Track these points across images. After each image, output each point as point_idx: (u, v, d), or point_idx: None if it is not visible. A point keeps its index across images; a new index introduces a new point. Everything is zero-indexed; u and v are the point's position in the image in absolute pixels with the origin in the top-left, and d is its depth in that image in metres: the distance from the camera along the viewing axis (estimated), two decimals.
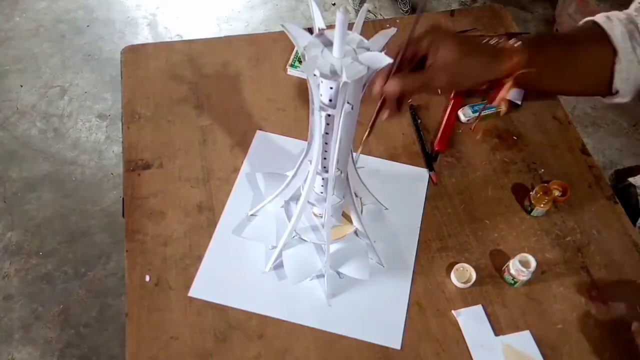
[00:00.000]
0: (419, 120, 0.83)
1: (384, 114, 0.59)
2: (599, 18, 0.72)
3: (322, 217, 0.66)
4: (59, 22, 2.12)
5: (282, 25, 0.48)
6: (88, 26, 2.12)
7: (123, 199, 0.74)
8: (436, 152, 0.79)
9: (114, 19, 2.15)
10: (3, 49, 2.02)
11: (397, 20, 0.96)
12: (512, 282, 0.68)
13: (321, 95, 0.49)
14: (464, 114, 0.83)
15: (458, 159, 0.80)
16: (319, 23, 0.49)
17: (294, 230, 0.65)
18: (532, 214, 0.74)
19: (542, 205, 0.72)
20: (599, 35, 0.71)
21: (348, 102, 0.49)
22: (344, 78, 0.45)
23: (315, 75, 0.47)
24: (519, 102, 0.85)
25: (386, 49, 0.49)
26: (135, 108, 0.83)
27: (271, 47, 0.91)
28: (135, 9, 2.19)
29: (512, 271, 0.67)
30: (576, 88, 0.76)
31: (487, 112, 0.83)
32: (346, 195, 0.62)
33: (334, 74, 0.46)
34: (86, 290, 1.49)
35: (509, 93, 0.65)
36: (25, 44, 2.05)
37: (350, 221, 0.67)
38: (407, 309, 0.67)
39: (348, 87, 0.47)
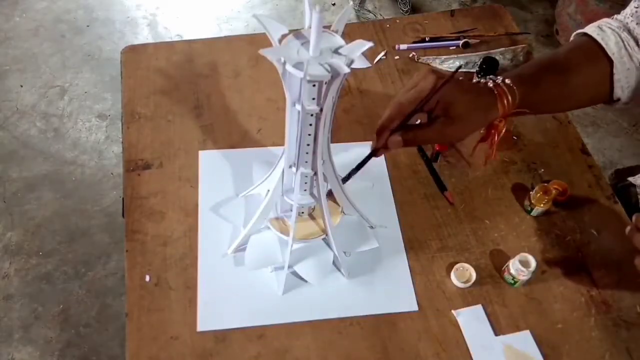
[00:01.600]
0: None
1: (378, 155, 0.61)
2: (591, 30, 0.71)
3: (303, 214, 0.66)
4: (59, 22, 2.12)
5: (255, 16, 0.48)
6: (88, 26, 2.12)
7: (123, 199, 0.74)
8: (436, 152, 0.79)
9: (114, 19, 2.15)
10: (3, 49, 2.02)
11: (397, 20, 0.96)
12: (512, 282, 0.68)
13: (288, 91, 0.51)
14: None
15: (458, 158, 0.80)
16: (275, 34, 0.51)
17: (265, 220, 0.65)
18: (532, 213, 0.74)
19: (542, 205, 0.72)
20: (593, 50, 0.71)
21: (316, 103, 0.50)
22: (306, 75, 0.46)
23: (288, 70, 0.48)
24: None
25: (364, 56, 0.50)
26: (135, 108, 0.83)
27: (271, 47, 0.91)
28: (135, 9, 2.19)
29: (512, 271, 0.67)
30: (575, 106, 0.75)
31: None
32: (330, 180, 0.62)
33: (300, 69, 0.47)
34: (86, 290, 1.49)
35: (502, 132, 0.66)
36: (25, 44, 2.05)
37: (334, 201, 0.67)
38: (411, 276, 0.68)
39: (312, 88, 0.48)
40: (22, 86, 1.92)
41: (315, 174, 0.59)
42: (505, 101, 0.63)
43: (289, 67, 0.47)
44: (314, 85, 0.49)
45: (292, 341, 0.64)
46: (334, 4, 2.19)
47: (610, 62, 0.70)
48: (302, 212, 0.66)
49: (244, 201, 0.72)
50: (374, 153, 0.60)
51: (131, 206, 0.73)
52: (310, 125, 0.53)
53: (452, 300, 0.67)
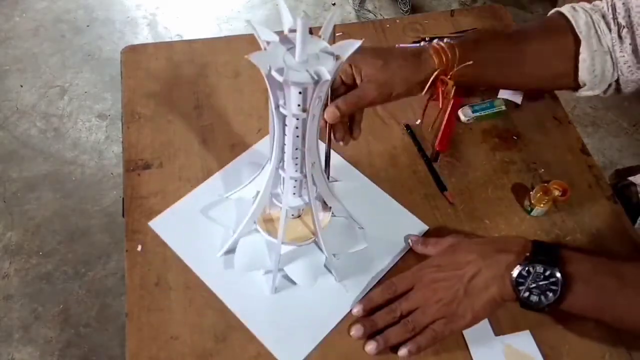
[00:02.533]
0: (412, 130, 0.83)
1: (336, 139, 0.66)
2: (565, 8, 0.71)
3: (293, 216, 0.67)
4: (59, 22, 2.13)
5: (248, 22, 0.49)
6: (88, 26, 2.12)
7: (123, 199, 0.74)
8: (436, 152, 0.79)
9: (114, 19, 2.15)
10: (3, 49, 2.02)
11: (397, 20, 0.96)
12: None
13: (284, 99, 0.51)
14: (464, 114, 0.83)
15: (458, 159, 0.80)
16: (265, 37, 0.51)
17: (255, 222, 0.65)
18: (532, 214, 0.74)
19: (542, 205, 0.72)
20: (560, 26, 0.70)
21: (302, 108, 0.51)
22: (324, 78, 0.47)
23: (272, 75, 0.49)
24: (519, 102, 0.85)
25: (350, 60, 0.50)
26: (135, 108, 0.83)
27: None
28: (135, 9, 2.19)
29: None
30: (531, 81, 0.75)
31: (485, 112, 0.83)
32: (318, 183, 0.62)
33: (310, 79, 0.47)
34: (86, 290, 1.49)
35: (452, 90, 0.67)
36: (25, 44, 2.05)
37: (323, 204, 0.67)
38: None
39: (317, 89, 0.48)
40: (22, 86, 1.92)
41: (305, 177, 0.59)
42: (442, 56, 0.65)
43: (274, 74, 0.48)
44: (300, 93, 0.49)
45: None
46: (333, 4, 2.19)
47: (577, 41, 0.69)
48: (293, 215, 0.66)
49: (235, 203, 0.71)
50: (329, 140, 0.65)
51: (131, 206, 0.73)
52: (297, 128, 0.53)
53: None
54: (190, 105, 0.83)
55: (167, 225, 0.71)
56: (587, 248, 0.66)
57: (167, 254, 0.69)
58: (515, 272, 0.57)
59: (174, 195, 0.74)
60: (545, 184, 0.73)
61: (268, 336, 0.63)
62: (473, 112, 0.83)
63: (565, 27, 0.70)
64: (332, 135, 0.66)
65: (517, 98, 0.85)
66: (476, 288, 0.59)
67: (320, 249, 0.66)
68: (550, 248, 0.59)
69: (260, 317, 0.65)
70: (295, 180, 0.60)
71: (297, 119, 0.52)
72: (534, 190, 0.73)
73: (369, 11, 2.16)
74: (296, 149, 0.56)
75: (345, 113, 0.62)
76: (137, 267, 0.68)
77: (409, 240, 0.69)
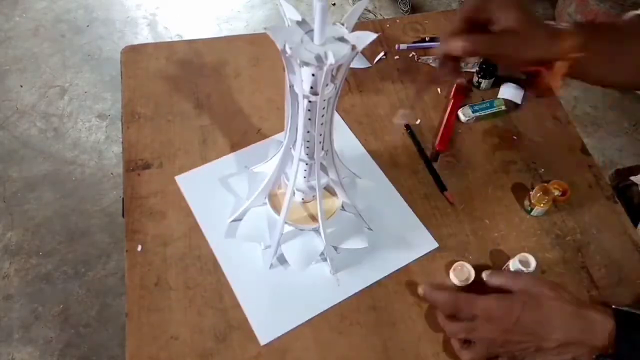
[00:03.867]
0: (411, 130, 0.83)
1: (439, 74, 0.60)
2: None
3: (303, 200, 0.67)
4: (59, 22, 2.13)
5: (265, 29, 0.48)
6: (88, 26, 2.12)
7: (123, 198, 0.74)
8: (436, 152, 0.79)
9: (114, 19, 2.15)
10: (3, 49, 2.02)
11: (397, 20, 0.96)
12: None
13: (303, 82, 0.51)
14: (464, 114, 0.83)
15: (458, 158, 0.80)
16: (290, 15, 0.50)
17: (285, 222, 0.65)
18: (532, 213, 0.74)
19: (542, 205, 0.72)
20: None
21: (314, 91, 0.51)
22: (329, 61, 0.46)
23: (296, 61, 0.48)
24: (519, 102, 0.85)
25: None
26: (135, 108, 0.83)
27: (271, 47, 0.90)
28: (135, 9, 2.19)
29: (512, 271, 0.67)
30: (627, 80, 0.73)
31: (485, 112, 0.83)
32: (330, 172, 0.62)
33: (316, 60, 0.47)
34: (86, 290, 1.49)
35: (563, 74, 0.62)
36: (25, 44, 2.05)
37: (334, 195, 0.67)
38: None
39: (325, 74, 0.48)
40: (22, 86, 1.92)
41: (315, 162, 0.59)
42: (569, 41, 0.60)
43: (287, 49, 0.47)
44: (312, 75, 0.49)
45: (292, 341, 0.64)
46: (334, 4, 2.19)
47: None
48: (303, 199, 0.66)
49: (252, 177, 0.72)
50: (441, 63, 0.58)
51: (131, 206, 0.73)
52: (310, 110, 0.53)
53: None
54: (190, 105, 0.83)
55: (190, 183, 0.75)
56: None
57: (167, 253, 0.69)
58: None
59: (174, 195, 0.74)
60: (545, 184, 0.73)
61: (252, 307, 0.65)
62: (473, 112, 0.83)
63: None
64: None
65: (517, 98, 0.85)
66: (549, 356, 0.57)
67: (320, 238, 0.67)
68: (636, 338, 0.55)
69: (251, 287, 0.67)
70: (306, 164, 0.60)
71: (310, 102, 0.52)
72: (534, 190, 0.73)
73: (369, 11, 2.16)
74: (307, 132, 0.56)
75: (475, 52, 0.56)
76: (137, 267, 0.68)
77: (483, 275, 0.65)
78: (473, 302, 0.60)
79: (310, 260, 0.67)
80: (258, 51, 0.90)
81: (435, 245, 0.71)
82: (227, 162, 0.77)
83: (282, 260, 0.68)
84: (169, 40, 2.06)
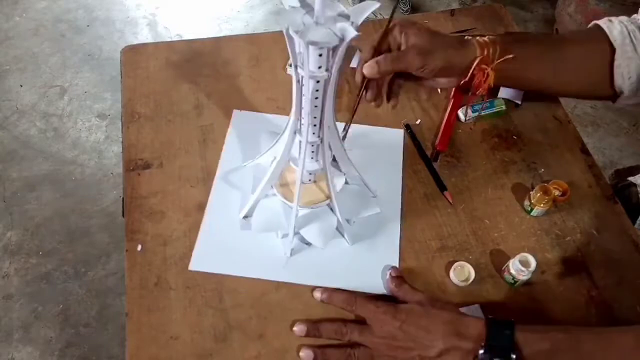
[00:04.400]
0: (412, 131, 0.83)
1: (367, 97, 0.67)
2: (601, 21, 0.72)
3: (310, 181, 0.68)
4: (59, 22, 2.13)
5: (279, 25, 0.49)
6: (88, 26, 2.12)
7: (123, 198, 0.74)
8: (437, 152, 0.79)
9: (114, 19, 2.15)
10: (3, 49, 2.02)
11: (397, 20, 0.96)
12: (512, 281, 0.68)
13: (302, 61, 0.51)
14: (464, 114, 0.83)
15: (458, 158, 0.80)
16: (289, 2, 0.51)
17: (272, 187, 0.67)
18: (532, 214, 0.74)
19: (542, 205, 0.72)
20: (596, 35, 0.71)
21: (326, 69, 0.52)
22: (311, 41, 0.47)
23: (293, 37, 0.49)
24: (519, 102, 0.85)
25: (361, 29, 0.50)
26: (135, 108, 0.83)
27: (271, 47, 0.91)
28: (135, 9, 2.19)
29: (512, 271, 0.67)
30: (569, 86, 0.75)
31: (485, 112, 0.83)
32: (334, 149, 0.64)
33: (333, 37, 0.48)
34: (86, 290, 1.49)
35: (489, 81, 0.68)
36: (25, 44, 2.05)
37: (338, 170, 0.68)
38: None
39: (328, 53, 0.49)
40: (22, 86, 1.92)
41: (322, 141, 0.60)
42: (485, 48, 0.67)
43: (292, 33, 0.48)
44: (320, 55, 0.50)
45: (292, 341, 0.64)
46: None
47: (612, 49, 0.70)
48: (310, 179, 0.67)
49: (254, 169, 0.74)
50: (361, 88, 0.66)
51: (131, 206, 0.73)
52: (317, 91, 0.54)
53: (451, 299, 0.67)
54: (190, 105, 0.83)
55: (243, 122, 0.79)
56: (540, 323, 0.65)
57: (167, 253, 0.69)
58: None
59: (174, 195, 0.74)
60: (545, 184, 0.73)
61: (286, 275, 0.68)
62: (473, 112, 0.83)
63: (600, 36, 0.71)
64: (364, 94, 0.68)
65: (517, 98, 0.85)
66: None
67: (334, 212, 0.68)
68: (504, 331, 0.58)
69: (278, 271, 0.69)
70: (312, 145, 0.61)
71: (318, 82, 0.53)
72: (534, 190, 0.73)
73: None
74: (315, 115, 0.56)
75: (384, 71, 0.64)
76: (137, 267, 0.68)
77: (387, 273, 0.68)
78: (364, 304, 0.63)
79: (329, 236, 0.69)
80: (258, 51, 0.90)
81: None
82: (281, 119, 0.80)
83: (299, 245, 0.70)
84: (169, 40, 2.06)
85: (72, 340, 1.41)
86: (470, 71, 0.68)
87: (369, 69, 0.63)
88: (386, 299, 0.65)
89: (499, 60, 0.66)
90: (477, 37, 0.69)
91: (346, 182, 0.70)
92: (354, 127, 0.80)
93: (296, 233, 0.68)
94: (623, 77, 0.70)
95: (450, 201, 0.75)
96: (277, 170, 0.65)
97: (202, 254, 0.69)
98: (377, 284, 0.68)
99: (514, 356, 0.56)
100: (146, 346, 0.63)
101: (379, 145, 0.80)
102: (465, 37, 0.69)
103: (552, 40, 0.73)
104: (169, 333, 0.64)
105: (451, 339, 0.58)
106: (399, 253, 0.70)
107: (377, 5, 0.50)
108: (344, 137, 0.68)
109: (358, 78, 0.66)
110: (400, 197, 0.75)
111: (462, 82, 0.70)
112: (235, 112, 0.81)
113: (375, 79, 0.66)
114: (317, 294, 0.66)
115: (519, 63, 0.68)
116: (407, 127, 0.82)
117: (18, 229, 1.59)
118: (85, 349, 1.40)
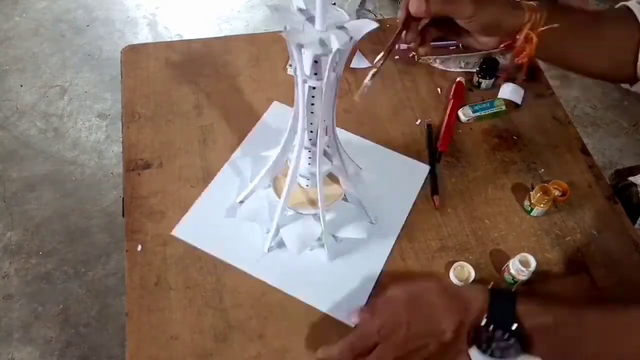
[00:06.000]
0: (430, 129, 0.83)
1: (406, 38, 0.62)
2: (631, 3, 0.71)
3: (307, 186, 0.67)
4: (59, 22, 2.13)
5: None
6: (88, 26, 2.12)
7: (123, 198, 0.74)
8: (439, 153, 0.79)
9: (114, 19, 2.15)
10: (3, 49, 2.02)
11: (397, 20, 0.95)
12: (512, 281, 0.68)
13: (304, 66, 0.51)
14: (464, 114, 0.83)
15: (458, 159, 0.80)
16: (297, 3, 0.51)
17: (287, 206, 0.66)
18: (532, 214, 0.74)
19: (542, 205, 0.72)
20: (628, 16, 0.70)
21: (333, 72, 0.51)
22: (334, 46, 0.47)
23: (298, 45, 0.49)
24: (519, 102, 0.85)
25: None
26: (135, 108, 0.83)
27: (271, 47, 0.91)
28: (135, 9, 2.19)
29: (512, 271, 0.67)
30: (599, 64, 0.73)
31: (485, 112, 0.83)
32: (334, 160, 0.63)
33: (314, 45, 0.48)
34: (86, 290, 1.49)
35: (532, 48, 0.64)
36: (25, 44, 2.05)
37: (337, 183, 0.67)
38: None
39: (331, 59, 0.49)
40: (22, 86, 1.92)
41: (317, 149, 0.59)
42: (532, 14, 0.62)
43: (289, 38, 0.48)
44: (315, 62, 0.50)
45: (292, 341, 0.64)
46: (333, 4, 2.19)
47: None
48: (308, 185, 0.67)
49: (257, 159, 0.73)
50: (398, 35, 0.61)
51: (131, 206, 0.73)
52: (313, 97, 0.54)
53: None
54: (190, 105, 0.83)
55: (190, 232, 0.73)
56: (544, 292, 0.65)
57: (167, 253, 0.69)
58: (477, 336, 0.57)
59: (174, 195, 0.74)
60: (545, 184, 0.73)
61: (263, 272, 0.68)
62: (473, 112, 0.83)
63: (632, 18, 0.70)
64: (398, 36, 0.63)
65: (517, 98, 0.85)
66: (453, 352, 0.57)
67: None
68: (507, 304, 0.57)
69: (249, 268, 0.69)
70: (309, 151, 0.61)
71: (314, 88, 0.53)
72: (534, 190, 0.73)
73: (369, 11, 2.16)
74: (311, 121, 0.56)
75: (433, 11, 0.59)
76: (137, 267, 0.68)
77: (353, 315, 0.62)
78: (366, 335, 0.58)
79: (306, 245, 0.68)
80: (258, 51, 0.90)
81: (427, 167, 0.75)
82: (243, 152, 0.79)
83: (280, 244, 0.69)
84: (169, 40, 2.06)
85: (72, 340, 1.41)
86: (521, 35, 0.64)
87: (416, 6, 0.57)
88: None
89: (544, 28, 0.63)
90: (529, 2, 0.65)
91: (344, 199, 0.69)
92: (375, 148, 0.79)
93: (278, 233, 0.68)
94: None
95: (436, 205, 0.74)
96: (274, 165, 0.65)
97: (189, 225, 0.71)
98: (344, 308, 0.65)
99: (514, 328, 0.55)
100: (146, 346, 0.63)
101: (398, 174, 0.77)
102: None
103: (591, 17, 0.70)
104: (169, 333, 0.64)
105: (456, 315, 0.57)
106: (373, 287, 0.68)
107: (376, 26, 0.49)
108: (374, 74, 0.61)
109: (401, 14, 0.60)
110: (398, 232, 0.72)
111: (502, 44, 0.66)
112: (275, 103, 0.82)
113: (417, 20, 0.61)
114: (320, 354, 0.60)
115: (561, 35, 0.64)
116: (429, 127, 0.82)
117: (18, 229, 1.59)
118: (85, 349, 1.40)
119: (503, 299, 0.57)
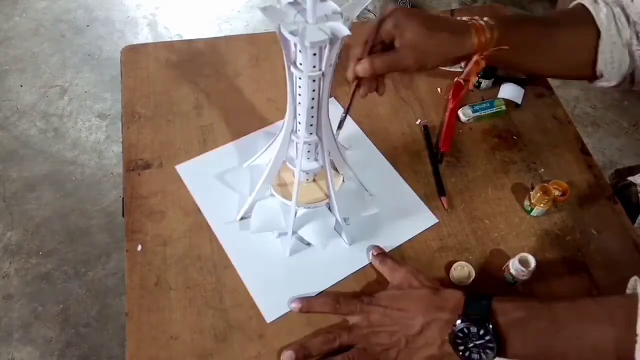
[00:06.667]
0: (427, 132, 0.83)
1: (360, 93, 0.65)
2: (586, 1, 0.72)
3: (307, 181, 0.68)
4: (59, 22, 2.13)
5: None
6: (88, 26, 2.12)
7: (123, 198, 0.74)
8: (441, 154, 0.79)
9: (114, 19, 2.15)
10: (3, 49, 2.02)
11: (348, 80, 0.95)
12: (512, 281, 0.68)
13: (297, 58, 0.52)
14: (464, 114, 0.83)
15: (458, 158, 0.80)
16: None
17: (270, 187, 0.67)
18: (532, 214, 0.74)
19: (542, 205, 0.72)
20: (583, 17, 0.71)
21: (318, 67, 0.51)
22: (306, 41, 0.47)
23: (287, 36, 0.49)
24: (519, 102, 0.85)
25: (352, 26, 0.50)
26: (135, 108, 0.83)
27: (271, 47, 0.91)
28: (135, 9, 2.19)
29: (512, 271, 0.67)
30: (556, 69, 0.76)
31: (485, 112, 0.83)
32: (323, 165, 0.63)
33: (327, 35, 0.48)
34: (86, 290, 1.49)
35: (480, 69, 0.68)
36: (25, 44, 2.05)
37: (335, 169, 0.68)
38: None
39: (320, 51, 0.49)
40: (22, 86, 1.92)
41: (320, 139, 0.60)
42: (482, 37, 0.65)
43: (284, 32, 0.48)
44: (314, 54, 0.50)
45: (292, 341, 0.63)
46: None
47: (598, 33, 0.69)
48: (308, 179, 0.67)
49: (250, 171, 0.74)
50: (354, 92, 0.65)
51: (131, 206, 0.73)
52: (314, 90, 0.54)
53: None
54: (190, 105, 0.84)
55: (192, 173, 0.76)
56: (516, 297, 0.65)
57: (167, 253, 0.69)
58: (453, 334, 0.57)
59: (174, 195, 0.74)
60: (545, 184, 0.73)
61: (258, 291, 0.67)
62: (473, 112, 0.83)
63: (587, 18, 0.70)
64: (355, 91, 0.66)
65: (517, 98, 0.85)
66: (418, 344, 0.59)
67: (332, 212, 0.68)
68: (481, 302, 0.58)
69: (266, 277, 0.68)
70: (310, 145, 0.61)
71: (314, 81, 0.53)
72: (534, 190, 0.73)
73: (369, 11, 2.16)
74: (312, 114, 0.56)
75: (378, 71, 0.62)
76: (137, 267, 0.68)
77: (371, 253, 0.69)
78: (348, 301, 0.63)
79: (328, 235, 0.69)
80: (258, 51, 0.90)
81: (435, 220, 0.73)
82: (227, 152, 0.78)
83: (297, 245, 0.70)
84: (169, 40, 2.06)
85: (72, 340, 1.41)
86: (470, 63, 0.67)
87: (362, 69, 0.61)
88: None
89: (493, 49, 0.65)
90: (474, 20, 0.67)
91: (343, 180, 0.70)
92: (353, 126, 0.80)
93: (294, 233, 0.68)
94: (605, 63, 0.70)
95: (446, 207, 0.74)
96: (274, 169, 0.65)
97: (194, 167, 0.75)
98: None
99: (490, 334, 0.56)
100: (146, 346, 0.63)
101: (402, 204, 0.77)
102: (470, 20, 0.67)
103: (544, 24, 0.72)
104: (169, 333, 0.64)
105: (430, 313, 0.59)
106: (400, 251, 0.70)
107: (368, 1, 0.50)
108: (340, 126, 0.67)
109: (350, 75, 0.64)
110: (402, 197, 0.74)
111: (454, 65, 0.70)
112: (178, 167, 0.76)
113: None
114: (294, 305, 0.64)
115: (513, 50, 0.67)
116: (425, 128, 0.82)
117: (18, 229, 1.59)
118: (85, 349, 1.40)
119: (478, 298, 0.59)
